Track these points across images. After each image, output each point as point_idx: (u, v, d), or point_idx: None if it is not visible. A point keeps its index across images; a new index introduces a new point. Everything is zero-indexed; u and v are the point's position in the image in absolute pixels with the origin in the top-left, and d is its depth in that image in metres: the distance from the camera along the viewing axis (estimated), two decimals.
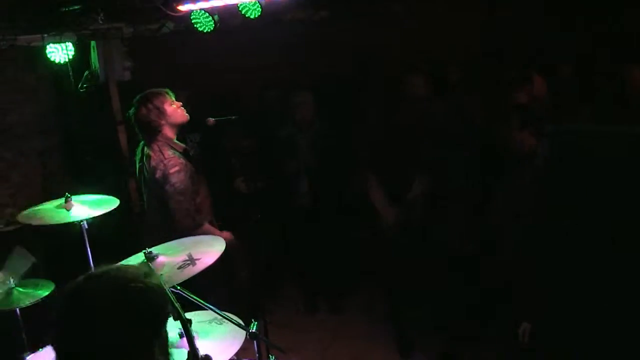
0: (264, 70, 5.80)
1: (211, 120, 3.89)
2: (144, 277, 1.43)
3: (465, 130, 4.40)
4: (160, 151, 3.69)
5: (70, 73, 5.05)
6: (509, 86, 4.58)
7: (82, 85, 5.10)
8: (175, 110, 3.76)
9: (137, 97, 3.78)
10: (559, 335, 3.11)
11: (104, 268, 1.45)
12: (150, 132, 3.73)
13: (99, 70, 4.97)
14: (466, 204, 4.13)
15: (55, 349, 1.38)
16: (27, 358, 3.07)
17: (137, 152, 3.94)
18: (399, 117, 4.55)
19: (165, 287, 1.48)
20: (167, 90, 3.80)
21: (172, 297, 1.69)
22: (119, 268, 1.46)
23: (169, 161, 3.65)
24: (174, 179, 3.63)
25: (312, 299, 5.18)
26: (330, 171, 4.88)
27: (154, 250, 2.67)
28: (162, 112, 3.71)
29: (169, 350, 1.47)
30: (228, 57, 5.45)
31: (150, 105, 3.70)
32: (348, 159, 4.90)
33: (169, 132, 3.76)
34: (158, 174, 3.64)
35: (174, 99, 3.79)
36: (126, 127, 4.97)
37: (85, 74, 5.08)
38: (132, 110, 3.77)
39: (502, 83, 4.76)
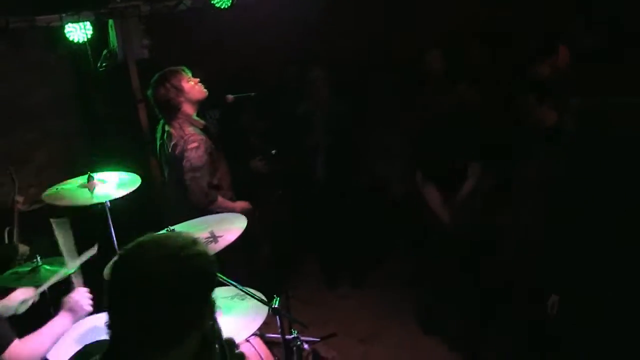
0: (281, 46, 5.74)
1: (230, 97, 3.90)
2: (193, 244, 1.44)
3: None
4: (181, 128, 3.73)
5: (89, 52, 5.07)
6: (532, 58, 4.47)
7: (101, 64, 5.10)
8: (192, 87, 3.77)
9: (155, 76, 3.80)
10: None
11: (154, 236, 1.47)
12: (170, 110, 3.75)
13: (117, 49, 4.96)
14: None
15: (109, 313, 1.40)
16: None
17: (158, 130, 3.96)
18: (435, 106, 4.44)
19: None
20: (184, 67, 3.80)
21: None
22: (168, 236, 1.47)
23: (189, 137, 3.68)
24: (191, 155, 3.66)
25: (333, 274, 5.19)
26: (344, 149, 4.85)
27: (177, 227, 2.69)
28: (180, 90, 3.73)
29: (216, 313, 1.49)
30: (245, 34, 5.40)
31: (168, 84, 3.72)
32: (362, 140, 4.90)
33: (189, 109, 3.77)
34: (177, 150, 3.69)
35: (190, 75, 3.79)
36: (146, 105, 4.98)
37: (104, 53, 5.08)
38: (150, 91, 3.79)
39: (525, 55, 4.66)
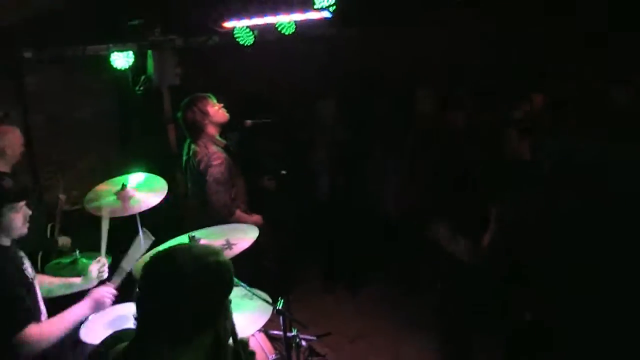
0: (293, 79, 5.84)
1: (248, 122, 3.99)
2: (217, 254, 1.52)
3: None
4: (205, 146, 3.81)
5: (130, 77, 5.19)
6: (508, 103, 4.56)
7: (139, 88, 5.22)
8: (216, 111, 3.86)
9: (184, 101, 3.90)
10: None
11: (184, 244, 1.54)
12: (196, 130, 3.84)
13: (153, 76, 5.08)
14: None
15: (138, 306, 1.45)
16: (90, 317, 3.16)
17: (184, 147, 4.04)
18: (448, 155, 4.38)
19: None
20: (210, 94, 3.90)
21: None
22: (196, 245, 1.55)
23: (212, 155, 3.76)
24: (215, 171, 3.73)
25: (330, 280, 5.24)
26: (345, 170, 4.93)
27: (197, 234, 2.76)
28: (205, 114, 3.82)
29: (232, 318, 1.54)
30: (263, 68, 5.51)
31: (195, 108, 3.82)
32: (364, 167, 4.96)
33: (212, 130, 3.86)
34: (202, 166, 3.76)
35: (215, 101, 3.89)
36: (175, 126, 5.08)
37: (142, 79, 5.19)
38: (180, 114, 3.88)
39: (503, 100, 4.73)
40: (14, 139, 3.86)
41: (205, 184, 3.74)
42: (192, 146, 3.89)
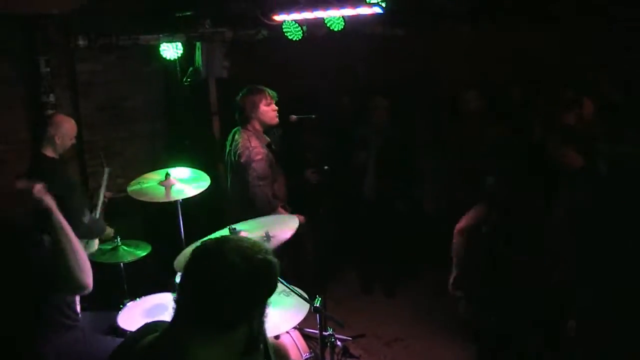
0: (341, 76, 5.77)
1: (293, 117, 3.93)
2: (266, 252, 1.47)
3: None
4: (248, 140, 3.78)
5: (178, 68, 5.22)
6: (559, 107, 4.36)
7: (186, 79, 5.24)
8: (267, 110, 3.83)
9: (249, 86, 3.90)
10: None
11: (233, 237, 1.50)
12: (242, 118, 3.86)
13: (201, 68, 5.09)
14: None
15: (179, 291, 1.43)
16: (128, 304, 3.18)
17: (228, 139, 4.02)
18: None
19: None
20: (273, 92, 3.87)
21: None
22: (246, 239, 1.51)
23: (254, 149, 3.72)
24: (256, 166, 3.69)
25: (369, 282, 5.13)
26: (392, 170, 4.81)
27: (237, 226, 2.71)
28: (255, 108, 3.81)
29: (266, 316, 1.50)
30: (311, 63, 5.45)
31: (249, 97, 3.82)
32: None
33: (257, 126, 3.84)
34: (243, 159, 3.73)
35: (274, 101, 3.85)
36: (220, 117, 5.08)
37: (189, 70, 5.21)
38: (239, 95, 3.88)
39: (555, 104, 4.54)
40: (67, 130, 3.87)
41: (246, 179, 3.70)
42: (236, 137, 3.87)
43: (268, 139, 3.89)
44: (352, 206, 5.04)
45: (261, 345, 1.52)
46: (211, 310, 1.38)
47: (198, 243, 1.50)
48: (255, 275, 1.41)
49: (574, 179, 3.44)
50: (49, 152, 3.84)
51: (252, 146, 3.74)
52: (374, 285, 5.10)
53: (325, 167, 4.13)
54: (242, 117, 3.84)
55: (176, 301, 1.43)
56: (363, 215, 4.97)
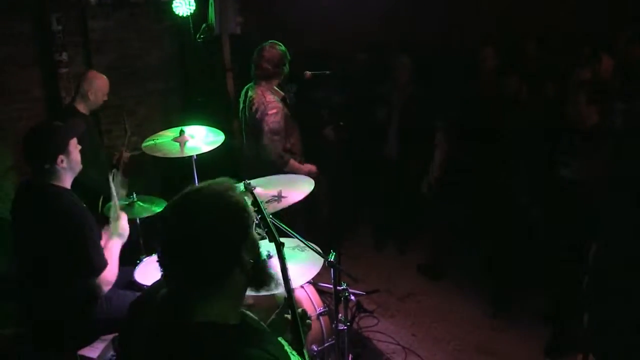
0: (358, 33, 5.62)
1: (308, 73, 3.84)
2: (231, 190, 1.43)
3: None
4: (263, 94, 3.73)
5: (191, 25, 5.11)
6: (576, 63, 4.21)
7: (199, 36, 5.15)
8: (285, 71, 3.80)
9: (269, 41, 3.79)
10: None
11: (196, 186, 1.45)
12: (259, 73, 3.76)
13: (214, 24, 4.99)
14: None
15: (161, 250, 1.39)
16: (144, 259, 3.20)
17: (242, 95, 3.97)
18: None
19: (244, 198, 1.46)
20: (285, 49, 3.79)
21: (270, 222, 1.66)
22: (209, 184, 1.45)
23: (269, 104, 3.68)
24: (270, 120, 3.66)
25: (382, 239, 5.12)
26: (417, 132, 4.72)
27: (253, 182, 2.68)
28: (277, 63, 3.73)
29: (259, 251, 1.46)
30: (327, 18, 5.32)
31: (271, 53, 3.72)
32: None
33: (273, 81, 3.79)
34: (258, 115, 3.69)
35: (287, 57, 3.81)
36: (233, 74, 5.00)
37: (202, 27, 5.12)
38: (258, 50, 3.75)
39: (573, 59, 4.39)
40: (99, 86, 3.97)
41: (260, 133, 3.66)
42: (250, 92, 3.82)
43: (282, 93, 3.84)
44: (370, 163, 4.97)
45: (270, 272, 1.49)
46: (196, 268, 1.34)
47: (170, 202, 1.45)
48: (223, 220, 1.37)
49: (589, 136, 3.34)
50: (81, 108, 3.91)
51: (267, 101, 3.70)
52: (387, 242, 5.09)
53: (340, 123, 4.08)
54: (259, 72, 3.75)
55: (161, 266, 1.39)
56: (382, 172, 4.91)
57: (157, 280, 1.56)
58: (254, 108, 3.72)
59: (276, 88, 3.79)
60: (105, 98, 4.03)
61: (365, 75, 5.29)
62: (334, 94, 5.05)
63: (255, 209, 2.02)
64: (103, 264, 2.52)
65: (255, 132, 3.75)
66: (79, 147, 2.69)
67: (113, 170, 4.17)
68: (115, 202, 2.94)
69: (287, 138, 3.79)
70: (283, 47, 3.80)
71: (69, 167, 2.59)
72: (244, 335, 1.34)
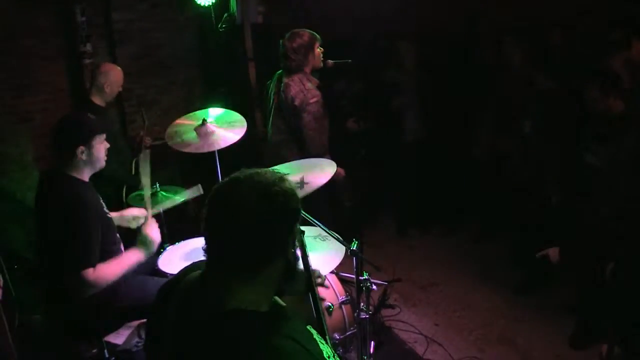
0: (377, 21, 5.56)
1: (330, 62, 3.78)
2: (281, 181, 1.40)
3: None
4: (301, 82, 3.63)
5: (212, 15, 5.11)
6: (606, 50, 4.08)
7: (221, 25, 5.14)
8: (319, 53, 3.70)
9: (300, 29, 3.69)
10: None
11: (246, 171, 1.42)
12: (292, 61, 3.65)
13: (236, 13, 4.98)
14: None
15: (205, 238, 1.38)
16: (168, 248, 3.23)
17: (270, 83, 3.88)
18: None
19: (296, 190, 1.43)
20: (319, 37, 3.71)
21: None
22: (258, 172, 1.42)
23: (309, 92, 3.58)
24: (313, 109, 3.57)
25: (404, 226, 5.09)
26: (429, 114, 4.69)
27: (275, 169, 2.66)
28: (311, 50, 3.65)
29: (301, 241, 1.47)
30: (347, 7, 5.26)
31: (304, 40, 3.63)
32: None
33: (307, 69, 3.69)
34: (297, 102, 3.58)
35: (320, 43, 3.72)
36: (255, 64, 4.98)
37: (224, 16, 5.11)
38: (288, 38, 3.66)
39: (600, 47, 4.25)
40: (115, 78, 3.98)
41: (301, 121, 3.59)
42: (284, 79, 3.70)
43: (317, 81, 3.73)
44: (390, 150, 4.94)
45: (299, 269, 1.49)
46: (240, 255, 1.33)
47: (219, 183, 1.43)
48: (274, 207, 1.35)
49: (615, 124, 3.25)
50: (97, 100, 3.93)
51: (306, 89, 3.59)
52: (408, 228, 5.08)
53: (362, 114, 4.03)
54: (289, 63, 3.64)
55: (205, 250, 1.39)
56: (403, 158, 4.89)
57: (186, 266, 1.56)
58: (291, 94, 3.61)
59: (311, 76, 3.70)
60: (120, 89, 4.04)
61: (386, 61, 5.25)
62: (352, 83, 5.01)
63: None
64: (87, 264, 2.41)
65: (294, 120, 3.66)
66: (107, 145, 2.67)
67: (140, 155, 4.23)
68: (148, 201, 2.89)
69: (324, 126, 3.70)
70: (309, 32, 3.67)
71: (89, 161, 2.57)
72: (275, 324, 1.33)
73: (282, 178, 1.41)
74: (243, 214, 1.33)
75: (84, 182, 2.60)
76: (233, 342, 1.28)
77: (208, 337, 1.31)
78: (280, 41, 3.70)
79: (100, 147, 2.62)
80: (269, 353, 1.25)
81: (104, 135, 2.65)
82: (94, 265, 2.42)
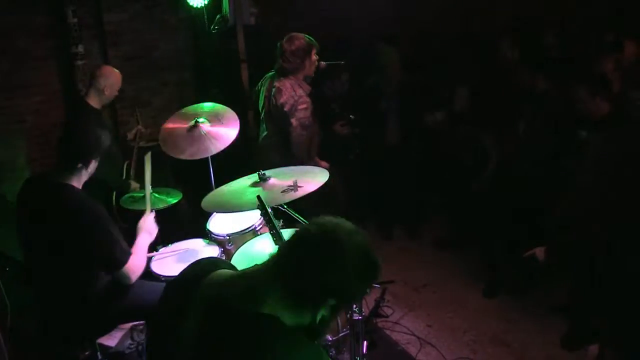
0: (369, 22, 5.58)
1: (323, 64, 3.80)
2: (374, 251, 1.44)
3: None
4: (292, 88, 3.64)
5: (205, 16, 5.12)
6: (597, 54, 4.12)
7: (213, 27, 5.14)
8: (314, 61, 3.71)
9: (295, 34, 3.69)
10: None
11: (348, 226, 1.43)
12: (286, 65, 3.66)
13: (229, 15, 4.98)
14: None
15: (282, 260, 1.41)
16: (160, 249, 3.23)
17: (263, 84, 3.88)
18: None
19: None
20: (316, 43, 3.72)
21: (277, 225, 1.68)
22: (357, 231, 1.44)
23: (299, 98, 3.61)
24: (301, 115, 3.59)
25: (389, 228, 5.10)
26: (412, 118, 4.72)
27: (267, 172, 2.69)
28: (307, 56, 3.66)
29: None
30: (339, 9, 5.28)
31: (302, 45, 3.63)
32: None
33: (301, 74, 3.70)
34: (287, 107, 3.60)
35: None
36: (248, 65, 4.99)
37: (217, 18, 5.12)
38: (285, 43, 3.65)
39: (591, 50, 4.29)
40: (115, 81, 3.98)
41: (289, 127, 3.61)
42: (276, 83, 3.71)
43: (309, 87, 3.75)
44: (374, 152, 4.96)
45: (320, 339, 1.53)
46: (304, 289, 1.35)
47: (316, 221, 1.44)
48: (364, 277, 1.40)
49: (600, 126, 3.28)
50: (94, 103, 3.92)
51: (297, 95, 3.61)
52: (393, 231, 5.09)
53: (351, 116, 4.03)
54: (285, 65, 3.65)
55: (275, 259, 1.41)
56: (385, 161, 4.90)
57: (197, 264, 1.57)
58: (281, 100, 3.62)
59: (304, 82, 3.72)
60: (117, 93, 4.04)
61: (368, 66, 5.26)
62: (340, 85, 5.02)
63: (263, 211, 2.06)
64: (127, 256, 2.56)
65: (279, 124, 3.68)
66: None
67: (126, 162, 4.23)
68: (148, 197, 3.06)
69: (311, 132, 3.73)
70: (308, 38, 3.68)
71: (87, 173, 2.63)
72: (300, 337, 1.37)
73: (373, 248, 1.45)
74: (341, 249, 1.36)
75: (80, 189, 2.61)
76: (265, 338, 1.31)
77: (242, 328, 1.33)
78: (278, 43, 3.70)
79: (95, 164, 2.66)
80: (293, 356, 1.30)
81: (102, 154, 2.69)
82: (131, 255, 2.58)
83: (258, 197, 2.36)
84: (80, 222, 2.47)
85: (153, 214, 2.98)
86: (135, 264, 2.59)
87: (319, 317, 1.40)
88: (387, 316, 3.87)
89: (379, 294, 3.88)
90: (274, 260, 1.42)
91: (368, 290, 2.54)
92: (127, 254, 2.56)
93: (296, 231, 1.45)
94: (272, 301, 1.36)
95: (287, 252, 1.41)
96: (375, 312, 3.79)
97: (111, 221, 2.60)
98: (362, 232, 1.43)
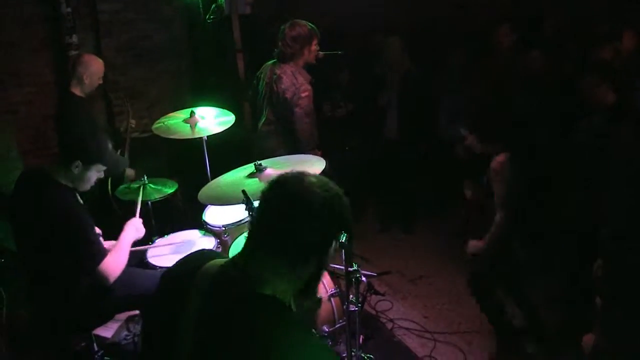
0: (368, 13, 5.56)
1: (320, 53, 3.79)
2: (343, 195, 1.44)
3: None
4: (293, 76, 3.63)
5: (200, 5, 5.10)
6: (596, 41, 4.12)
7: (209, 16, 5.13)
8: (315, 50, 3.70)
9: (297, 21, 3.68)
10: None
11: (308, 173, 1.45)
12: (287, 53, 3.65)
13: (224, 4, 4.96)
14: None
15: (255, 222, 1.42)
16: (156, 240, 3.24)
17: (262, 72, 3.85)
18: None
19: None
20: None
21: None
22: (320, 177, 1.45)
23: (301, 86, 3.59)
24: (304, 103, 3.58)
25: (387, 220, 5.12)
26: (415, 111, 4.71)
27: (263, 163, 2.69)
28: (308, 45, 3.65)
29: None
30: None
31: (303, 33, 3.62)
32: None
33: (301, 62, 3.70)
34: (289, 95, 3.59)
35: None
36: (244, 55, 4.97)
37: (212, 7, 5.10)
38: (286, 30, 3.65)
39: (592, 37, 4.30)
40: (95, 69, 3.90)
41: (292, 115, 3.59)
42: (276, 71, 3.69)
43: (310, 76, 3.74)
44: (374, 145, 4.96)
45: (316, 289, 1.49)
46: (287, 243, 1.36)
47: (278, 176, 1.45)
48: (335, 208, 1.39)
49: (605, 116, 3.28)
50: (77, 91, 3.87)
51: (298, 83, 3.60)
52: (391, 223, 5.09)
53: (341, 104, 3.91)
54: (286, 51, 3.64)
55: (250, 231, 1.42)
56: (384, 154, 4.91)
57: (193, 255, 1.58)
58: (282, 87, 3.61)
59: (303, 69, 3.71)
60: (100, 82, 3.95)
61: (372, 57, 5.25)
62: (342, 75, 5.02)
63: (248, 206, 2.07)
64: (99, 257, 2.52)
65: (283, 112, 3.66)
66: (101, 176, 2.72)
67: (118, 151, 4.22)
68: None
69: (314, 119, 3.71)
70: (310, 26, 3.67)
71: (77, 177, 2.61)
72: (299, 319, 1.37)
73: (336, 185, 1.45)
74: (303, 203, 1.36)
75: (69, 189, 2.60)
76: (265, 321, 1.31)
77: (241, 314, 1.32)
78: (282, 27, 3.69)
79: (94, 175, 2.64)
80: (294, 340, 1.29)
81: (105, 167, 2.67)
82: (104, 258, 2.53)
83: (243, 191, 2.37)
84: (52, 221, 2.48)
85: (139, 220, 2.93)
86: (111, 266, 2.54)
87: (308, 275, 1.41)
88: (383, 294, 3.89)
89: (366, 286, 3.86)
90: (249, 235, 1.43)
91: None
92: (100, 256, 2.52)
93: (259, 199, 1.44)
94: (266, 275, 1.36)
95: (257, 220, 1.42)
96: (366, 297, 3.79)
97: (88, 224, 2.57)
98: (305, 173, 1.44)
